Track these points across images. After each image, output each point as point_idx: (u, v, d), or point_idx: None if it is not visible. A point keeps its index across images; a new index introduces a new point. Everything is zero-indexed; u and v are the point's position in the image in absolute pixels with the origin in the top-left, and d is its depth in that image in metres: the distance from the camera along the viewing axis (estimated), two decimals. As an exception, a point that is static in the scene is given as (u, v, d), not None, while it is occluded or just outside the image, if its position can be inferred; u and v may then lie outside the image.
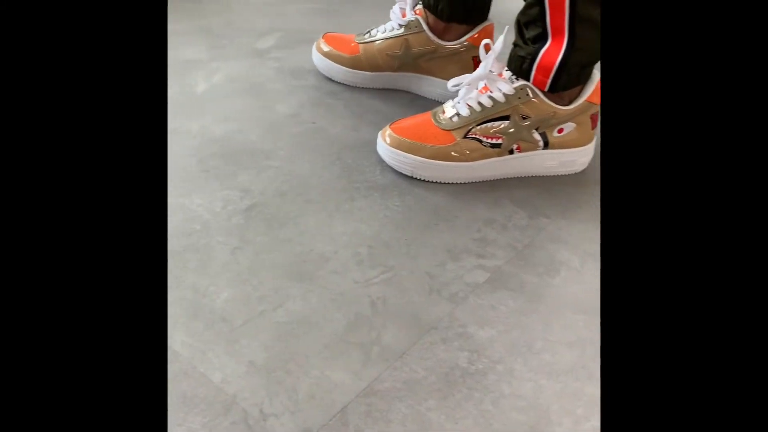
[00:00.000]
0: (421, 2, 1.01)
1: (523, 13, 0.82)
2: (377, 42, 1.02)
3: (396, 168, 0.85)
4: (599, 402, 0.58)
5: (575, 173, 0.89)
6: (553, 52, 0.79)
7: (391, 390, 0.59)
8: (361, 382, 0.59)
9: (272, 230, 0.75)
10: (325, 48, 1.04)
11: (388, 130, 0.86)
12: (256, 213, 0.78)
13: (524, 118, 0.83)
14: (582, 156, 0.88)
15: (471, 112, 0.83)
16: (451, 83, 0.85)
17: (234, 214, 0.77)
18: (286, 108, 0.98)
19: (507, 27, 0.84)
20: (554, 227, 0.79)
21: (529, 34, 0.81)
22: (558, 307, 0.68)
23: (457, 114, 0.84)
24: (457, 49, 0.99)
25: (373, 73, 1.02)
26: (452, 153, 0.83)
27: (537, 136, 0.84)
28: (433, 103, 0.99)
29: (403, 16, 1.00)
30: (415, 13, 1.00)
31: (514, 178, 0.87)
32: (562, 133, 0.85)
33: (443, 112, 0.86)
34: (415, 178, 0.84)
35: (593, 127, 0.87)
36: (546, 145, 0.85)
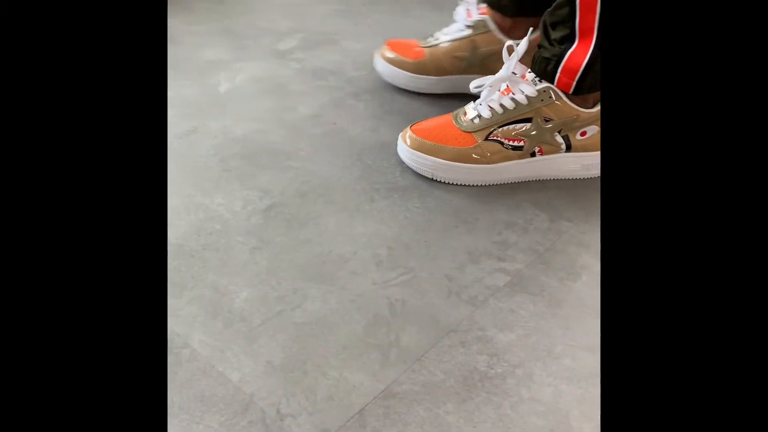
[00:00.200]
0: (484, 1, 0.99)
1: (551, 13, 0.81)
2: (442, 44, 1.00)
3: (416, 170, 0.85)
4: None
5: (597, 177, 0.88)
6: (579, 54, 0.78)
7: (409, 392, 0.59)
8: (379, 383, 0.59)
9: (292, 230, 0.75)
10: (389, 54, 1.02)
11: (408, 132, 0.85)
12: (276, 213, 0.78)
13: (547, 121, 0.82)
14: (605, 159, 0.87)
15: (493, 114, 0.83)
16: (473, 84, 0.85)
17: (254, 214, 0.77)
18: (308, 109, 0.98)
19: (531, 29, 0.83)
20: (576, 231, 0.78)
21: (556, 35, 0.80)
22: (578, 312, 0.68)
23: (479, 116, 0.83)
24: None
25: (439, 77, 1.01)
26: (473, 155, 0.83)
27: (559, 139, 0.83)
28: (455, 105, 0.98)
29: (469, 16, 0.99)
30: (481, 13, 0.98)
31: (536, 181, 0.86)
32: (584, 136, 0.84)
33: (464, 113, 0.85)
34: (436, 180, 0.84)
35: (617, 131, 0.86)
36: (568, 148, 0.84)
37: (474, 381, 0.60)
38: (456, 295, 0.68)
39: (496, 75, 0.83)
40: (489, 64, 0.99)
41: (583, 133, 0.84)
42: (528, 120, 0.82)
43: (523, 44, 0.81)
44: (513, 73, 0.82)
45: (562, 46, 0.80)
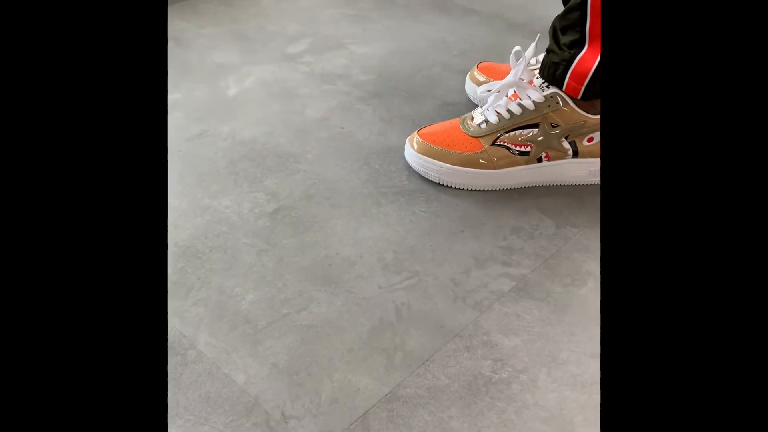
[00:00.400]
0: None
1: (561, 17, 0.81)
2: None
3: (423, 174, 0.85)
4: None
5: (605, 183, 0.88)
6: (589, 59, 0.78)
7: (413, 396, 0.59)
8: (383, 387, 0.59)
9: (298, 233, 0.76)
10: (481, 78, 1.01)
11: (415, 136, 0.86)
12: (282, 216, 0.78)
13: (554, 127, 0.82)
14: (612, 165, 0.87)
15: (500, 120, 0.83)
16: (481, 89, 0.85)
17: (261, 217, 0.78)
18: (316, 112, 0.99)
19: (539, 35, 0.83)
20: (582, 237, 0.78)
21: (566, 39, 0.80)
22: (583, 318, 0.68)
23: (486, 121, 0.84)
24: None
25: None
26: (480, 160, 0.83)
27: (566, 144, 0.83)
28: (462, 110, 0.98)
29: None
30: None
31: (542, 186, 0.86)
32: (592, 142, 0.84)
33: (472, 119, 0.85)
34: (442, 185, 0.84)
35: (624, 137, 0.86)
36: (575, 154, 0.84)
37: (478, 386, 0.60)
38: (461, 300, 0.69)
39: (504, 80, 0.83)
40: None
41: (590, 139, 0.84)
42: (535, 126, 0.82)
43: (530, 50, 0.81)
44: (521, 78, 0.82)
45: (572, 51, 0.79)
